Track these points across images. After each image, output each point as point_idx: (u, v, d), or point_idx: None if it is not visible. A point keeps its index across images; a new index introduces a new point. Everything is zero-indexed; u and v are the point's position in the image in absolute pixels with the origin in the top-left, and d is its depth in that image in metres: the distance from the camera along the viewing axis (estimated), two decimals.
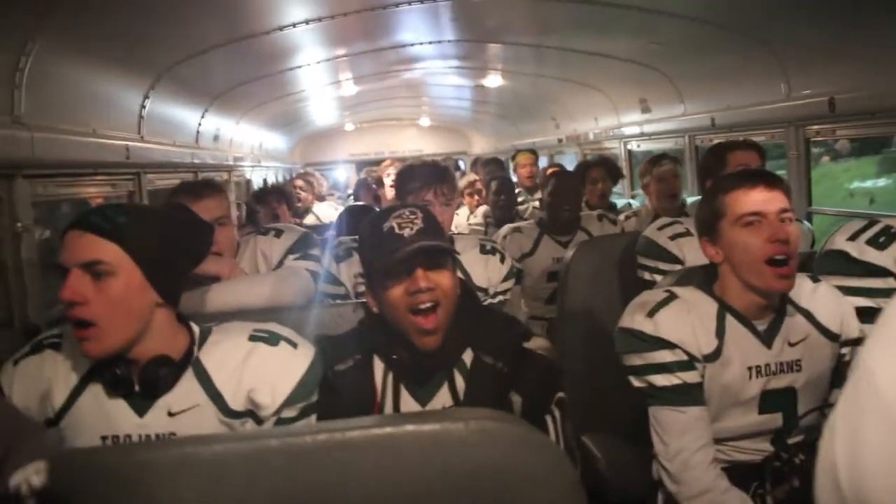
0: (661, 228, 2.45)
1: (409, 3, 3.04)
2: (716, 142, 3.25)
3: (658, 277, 2.35)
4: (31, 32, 1.99)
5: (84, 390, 1.35)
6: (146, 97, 3.04)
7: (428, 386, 1.46)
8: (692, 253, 2.30)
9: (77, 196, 2.65)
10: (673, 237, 2.40)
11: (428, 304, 1.37)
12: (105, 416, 1.33)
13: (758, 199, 1.58)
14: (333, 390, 1.45)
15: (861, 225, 1.79)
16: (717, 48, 3.23)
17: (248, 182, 6.20)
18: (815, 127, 3.03)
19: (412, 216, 1.44)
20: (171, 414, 1.33)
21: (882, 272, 1.71)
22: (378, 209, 2.32)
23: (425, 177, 2.18)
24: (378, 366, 1.48)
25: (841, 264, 1.76)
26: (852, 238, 1.77)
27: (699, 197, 3.78)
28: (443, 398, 1.45)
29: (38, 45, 2.02)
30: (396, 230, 1.40)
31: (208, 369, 1.37)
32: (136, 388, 1.33)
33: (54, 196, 2.43)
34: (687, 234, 2.36)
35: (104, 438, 1.32)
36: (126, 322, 1.29)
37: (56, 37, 2.08)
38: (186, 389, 1.35)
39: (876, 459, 0.56)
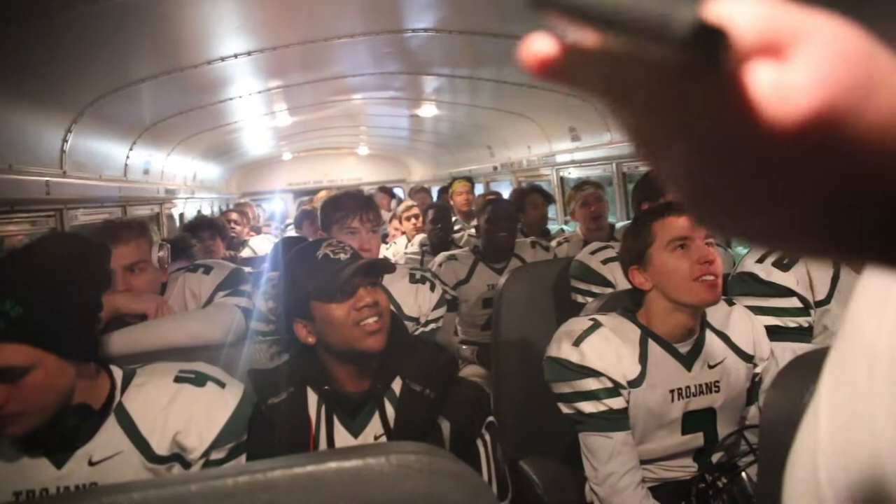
0: (593, 253, 2.53)
1: (339, 38, 3.08)
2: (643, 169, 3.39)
3: (590, 300, 2.42)
4: None
5: None
6: (68, 131, 2.95)
7: (359, 416, 1.48)
8: (622, 276, 2.38)
9: None
10: (605, 261, 2.48)
11: (375, 318, 1.43)
12: (19, 471, 1.27)
13: (685, 224, 1.66)
14: (267, 424, 1.45)
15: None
16: None
17: (182, 215, 6.06)
18: None
19: (341, 244, 1.54)
20: (91, 463, 1.29)
21: (787, 292, 1.82)
22: None
23: (350, 205, 2.21)
24: (312, 398, 1.50)
25: (751, 285, 1.87)
26: (760, 260, 1.88)
27: (627, 222, 3.96)
28: (374, 427, 1.47)
29: None
30: (332, 256, 1.48)
31: (132, 414, 1.33)
32: (55, 443, 1.28)
33: None
34: (618, 258, 2.45)
35: (17, 494, 1.26)
36: (52, 401, 1.23)
37: None
38: (108, 436, 1.31)
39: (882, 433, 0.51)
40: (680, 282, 1.64)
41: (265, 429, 1.44)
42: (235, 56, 3.05)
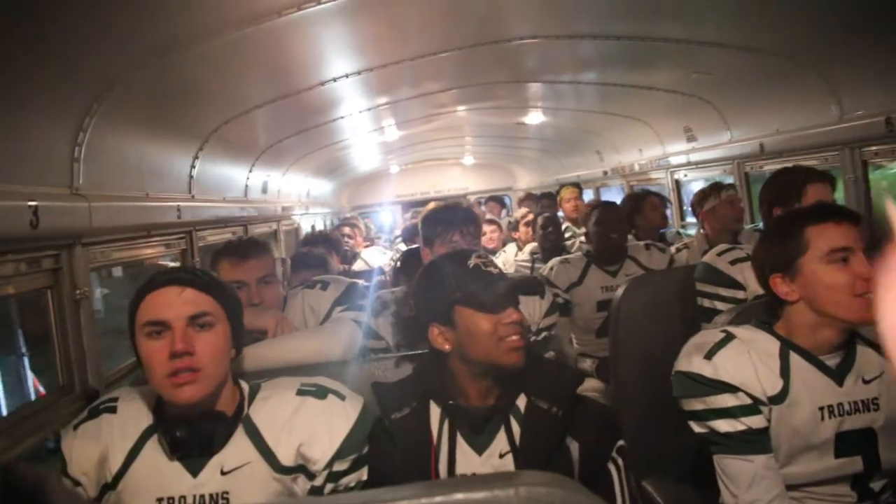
0: (720, 254, 2.38)
1: (445, 52, 3.09)
2: (784, 166, 3.15)
3: (718, 304, 2.28)
4: (88, 108, 2.10)
5: (139, 453, 1.37)
6: (195, 158, 3.15)
7: (484, 433, 1.46)
8: (753, 278, 2.21)
9: (132, 259, 2.74)
10: (733, 262, 2.33)
11: (518, 336, 1.44)
12: (160, 478, 1.35)
13: (846, 233, 1.52)
14: (391, 438, 1.46)
15: None
16: (761, 74, 3.16)
17: (297, 229, 6.33)
18: (874, 148, 2.91)
19: (487, 257, 1.55)
20: (223, 472, 1.35)
21: None
22: None
23: (451, 219, 2.20)
24: (434, 413, 1.49)
25: None
26: None
27: (753, 224, 3.70)
28: (500, 445, 1.44)
29: (95, 120, 2.12)
30: (483, 268, 1.49)
31: (258, 426, 1.39)
32: (192, 447, 1.35)
33: (110, 261, 2.52)
34: (747, 258, 2.28)
35: (160, 501, 1.34)
36: (222, 371, 1.37)
37: (111, 111, 2.18)
38: (238, 447, 1.37)
39: None
40: (838, 297, 1.49)
41: (387, 443, 1.45)
42: (347, 76, 3.14)
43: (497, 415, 1.46)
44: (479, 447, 1.45)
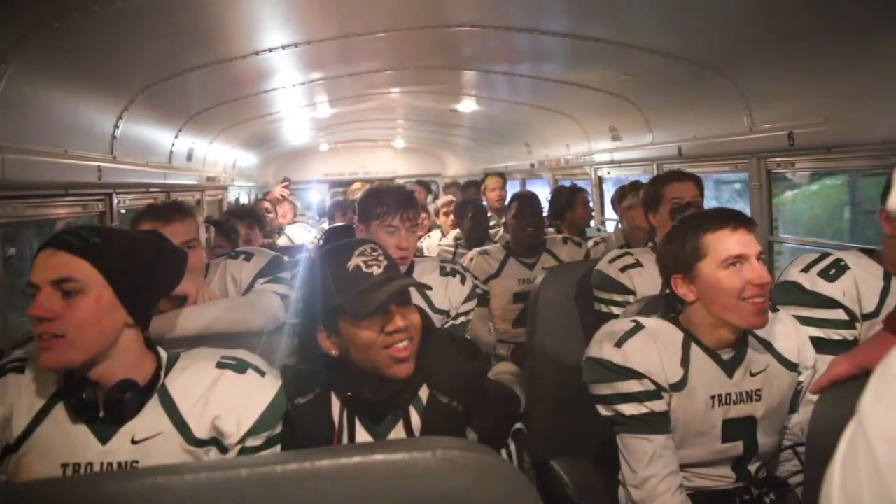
0: (611, 262, 2.49)
1: (380, 33, 3.09)
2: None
3: (613, 309, 2.39)
4: (4, 56, 1.99)
5: (46, 416, 1.34)
6: (120, 118, 3.02)
7: (383, 423, 1.47)
8: (642, 283, 2.36)
9: (46, 217, 2.62)
10: (623, 269, 2.44)
11: (405, 343, 1.38)
12: (67, 443, 1.32)
13: (742, 240, 1.60)
14: (292, 424, 1.44)
15: (814, 257, 1.86)
16: (684, 81, 3.33)
17: (220, 201, 6.17)
18: (777, 159, 3.13)
19: (374, 253, 1.44)
20: (134, 441, 1.33)
21: (832, 304, 1.78)
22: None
23: (392, 202, 2.16)
24: (335, 401, 1.48)
25: (795, 295, 1.83)
26: (805, 270, 1.84)
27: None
28: (398, 435, 1.46)
29: (12, 68, 2.02)
30: (364, 269, 1.40)
31: (174, 396, 1.37)
32: (101, 413, 1.32)
33: (23, 217, 2.41)
34: (637, 265, 2.42)
35: (65, 466, 1.31)
36: (93, 339, 1.29)
37: (30, 60, 2.07)
38: (151, 416, 1.35)
39: None
40: (729, 301, 1.59)
41: (290, 429, 1.44)
42: (283, 48, 3.09)
43: (397, 406, 1.45)
44: (379, 437, 1.46)
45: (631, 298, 2.37)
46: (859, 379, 1.28)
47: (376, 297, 1.35)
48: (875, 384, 0.65)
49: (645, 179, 4.39)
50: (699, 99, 3.45)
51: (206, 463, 1.24)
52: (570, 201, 4.26)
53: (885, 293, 1.77)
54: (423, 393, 1.46)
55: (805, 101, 2.74)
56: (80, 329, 1.26)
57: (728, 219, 1.64)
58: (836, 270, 1.81)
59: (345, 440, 1.44)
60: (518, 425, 1.50)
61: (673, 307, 1.77)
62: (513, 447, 1.46)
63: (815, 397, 1.41)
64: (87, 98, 2.71)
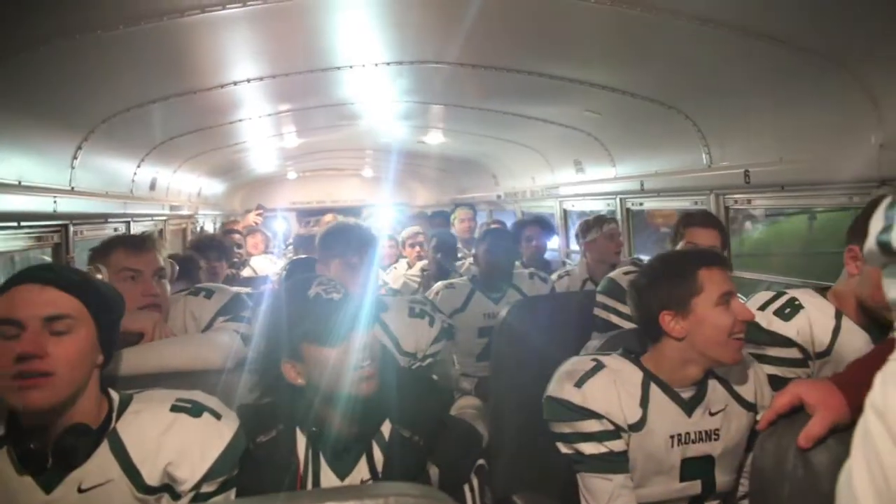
0: (626, 273, 2.54)
1: (350, 67, 3.11)
2: (647, 206, 3.37)
3: (614, 318, 2.42)
4: None
5: None
6: (79, 148, 2.98)
7: (346, 459, 1.46)
8: None
9: None
10: None
11: (369, 362, 1.41)
12: (7, 495, 1.25)
13: (727, 278, 1.65)
14: (254, 462, 1.42)
15: (770, 296, 1.90)
16: (645, 118, 3.41)
17: (185, 231, 6.08)
18: (735, 195, 3.21)
19: (332, 282, 1.49)
20: (81, 490, 1.27)
21: (787, 342, 1.81)
22: None
23: (350, 241, 2.17)
24: (301, 438, 1.47)
25: (752, 333, 1.85)
26: (762, 308, 1.87)
27: (631, 258, 3.96)
28: (361, 471, 1.46)
29: None
30: (324, 295, 1.44)
31: (125, 442, 1.32)
32: (49, 462, 1.26)
33: None
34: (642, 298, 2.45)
35: None
36: (78, 378, 1.27)
37: None
38: (100, 463, 1.29)
39: None
40: (719, 337, 1.62)
41: (252, 467, 1.42)
42: (248, 81, 3.09)
43: (359, 442, 1.46)
44: (342, 473, 1.46)
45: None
46: (800, 413, 1.31)
47: (338, 319, 1.41)
48: (885, 385, 0.69)
49: (608, 212, 4.48)
50: (660, 136, 3.54)
51: None
52: (517, 235, 4.29)
53: (836, 332, 1.81)
54: (386, 429, 1.47)
55: (760, 140, 2.82)
56: (69, 368, 1.24)
57: (716, 257, 1.70)
58: (790, 309, 1.84)
59: (310, 477, 1.43)
60: (480, 461, 1.50)
61: (639, 344, 1.78)
62: (475, 483, 1.47)
63: None
64: (45, 129, 2.66)
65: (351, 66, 3.14)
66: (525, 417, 2.37)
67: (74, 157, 2.98)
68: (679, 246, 2.57)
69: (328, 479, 1.44)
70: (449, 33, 2.79)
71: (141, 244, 2.02)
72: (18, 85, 2.24)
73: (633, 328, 1.89)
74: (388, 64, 3.14)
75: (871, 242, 0.71)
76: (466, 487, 1.46)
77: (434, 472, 1.46)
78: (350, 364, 1.40)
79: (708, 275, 1.64)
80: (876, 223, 0.69)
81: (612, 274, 2.59)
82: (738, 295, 1.71)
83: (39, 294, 1.25)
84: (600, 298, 2.54)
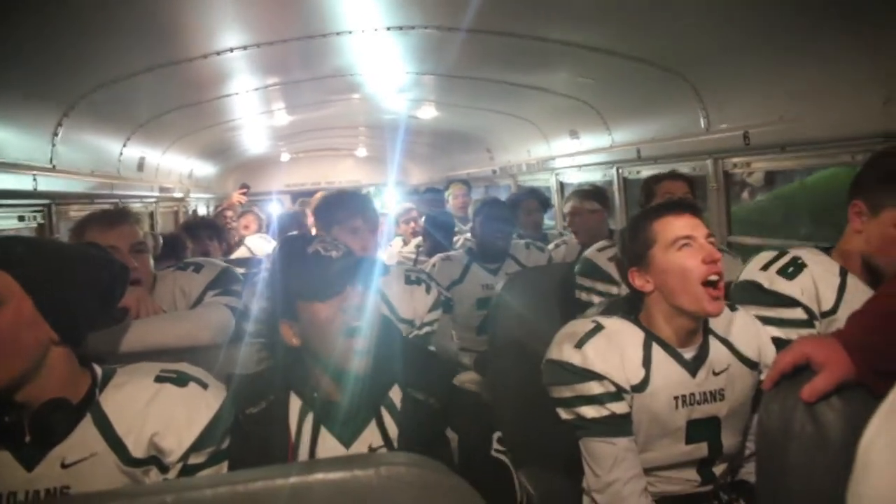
0: (600, 250, 2.52)
1: (338, 34, 3.03)
2: (644, 174, 3.34)
3: (594, 297, 2.40)
4: None
5: None
6: (59, 124, 2.89)
7: (352, 425, 1.40)
8: None
9: None
10: (611, 258, 2.46)
11: (359, 323, 1.35)
12: None
13: (687, 223, 1.63)
14: (244, 435, 1.37)
15: (772, 256, 1.85)
16: (640, 83, 3.34)
17: (176, 213, 6.00)
18: (734, 159, 3.15)
19: (334, 241, 1.45)
20: (64, 465, 1.23)
21: (791, 302, 1.76)
22: None
23: (352, 205, 2.16)
24: (294, 406, 1.41)
25: (753, 294, 1.81)
26: (764, 268, 1.82)
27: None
28: (370, 437, 1.39)
29: None
30: (323, 252, 1.39)
31: (108, 414, 1.28)
32: (27, 437, 1.23)
33: None
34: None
35: None
36: (11, 357, 1.20)
37: None
38: (83, 437, 1.26)
39: None
40: (685, 284, 1.59)
41: (242, 440, 1.37)
42: (231, 50, 3.00)
43: (367, 407, 1.40)
44: (347, 440, 1.39)
45: (614, 290, 2.36)
46: (803, 374, 1.27)
47: (332, 272, 1.36)
48: None
49: (607, 181, 4.42)
50: (656, 101, 3.47)
51: (128, 489, 1.15)
52: (514, 209, 4.24)
53: (841, 290, 1.76)
54: (395, 394, 1.42)
55: (759, 100, 2.75)
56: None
57: (671, 206, 1.68)
58: (794, 268, 1.79)
59: (305, 448, 1.37)
60: (498, 433, 1.45)
61: (634, 307, 1.74)
62: (507, 458, 1.42)
63: None
64: (21, 103, 2.57)
65: (338, 33, 3.06)
66: (525, 391, 2.34)
67: (55, 134, 2.89)
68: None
69: (329, 446, 1.38)
70: None
71: (114, 218, 1.98)
72: None
73: (625, 296, 1.86)
74: (375, 30, 3.05)
75: None
76: (507, 459, 1.41)
77: (453, 437, 1.40)
78: (342, 322, 1.35)
79: (660, 224, 1.65)
80: None
81: (587, 253, 2.58)
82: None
83: None
84: (579, 280, 2.53)
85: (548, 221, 5.31)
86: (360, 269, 1.40)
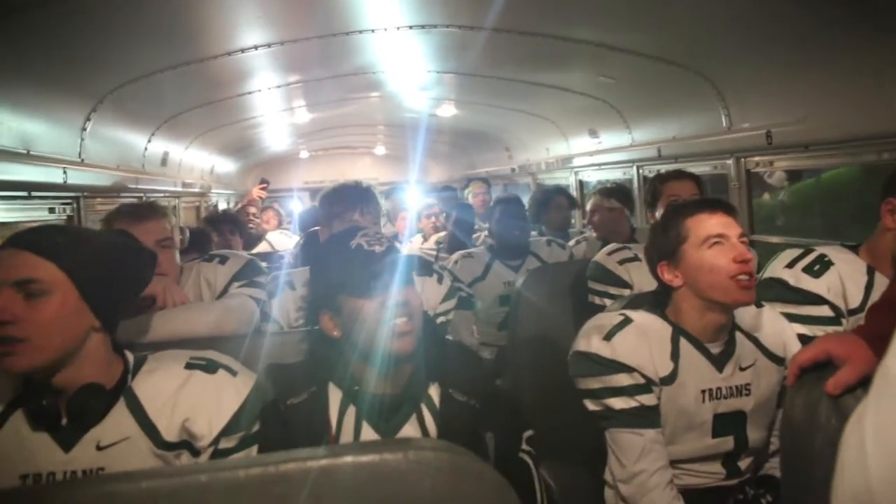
0: (610, 254, 2.51)
1: (360, 32, 3.05)
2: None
3: (607, 301, 2.39)
4: None
5: (4, 425, 1.27)
6: (87, 119, 2.94)
7: (393, 419, 1.41)
8: (639, 277, 2.35)
9: (7, 220, 2.53)
10: (621, 262, 2.45)
11: (405, 318, 1.37)
12: (26, 453, 1.25)
13: (720, 222, 1.63)
14: (287, 426, 1.38)
15: (798, 253, 1.84)
16: (661, 82, 3.32)
17: (198, 209, 6.07)
18: (756, 158, 3.13)
19: (377, 235, 1.46)
20: (99, 448, 1.27)
21: (817, 300, 1.75)
22: None
23: (351, 198, 2.17)
24: (334, 398, 1.42)
25: (779, 292, 1.80)
26: (790, 266, 1.82)
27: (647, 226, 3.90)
28: (409, 432, 1.41)
29: None
30: (366, 247, 1.41)
31: (141, 399, 1.32)
32: (64, 420, 1.27)
33: None
34: (635, 259, 2.42)
35: (24, 477, 1.24)
36: (58, 342, 1.24)
37: None
38: (117, 421, 1.29)
39: None
40: (716, 279, 1.60)
41: (284, 431, 1.38)
42: (255, 48, 3.03)
43: (407, 403, 1.42)
44: (388, 433, 1.41)
45: (626, 292, 2.36)
46: (827, 368, 1.26)
47: (375, 269, 1.37)
48: None
49: (627, 180, 4.41)
50: (677, 100, 3.45)
51: (163, 469, 1.18)
52: (545, 205, 4.25)
53: (869, 288, 1.75)
54: (435, 392, 1.44)
55: (782, 99, 2.74)
56: (44, 332, 1.22)
57: (705, 204, 1.68)
58: (820, 266, 1.79)
59: (347, 440, 1.40)
60: (530, 432, 1.47)
61: (661, 302, 1.74)
62: (530, 459, 1.44)
63: None
64: (52, 97, 2.62)
65: (360, 32, 3.08)
66: (545, 385, 2.34)
67: (83, 129, 2.95)
68: (659, 204, 2.60)
69: (371, 439, 1.40)
70: None
71: (142, 213, 1.99)
72: (23, 51, 2.20)
73: (651, 291, 1.85)
74: (396, 28, 3.07)
75: None
76: (529, 459, 1.43)
77: (490, 439, 1.41)
78: (385, 317, 1.37)
79: (693, 222, 1.65)
80: None
81: (596, 257, 2.57)
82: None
83: (12, 258, 1.23)
84: (590, 284, 2.52)
85: None
86: (403, 265, 1.41)
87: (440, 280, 2.28)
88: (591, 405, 1.66)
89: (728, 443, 1.67)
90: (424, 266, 2.33)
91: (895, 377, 0.63)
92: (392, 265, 1.40)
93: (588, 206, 3.61)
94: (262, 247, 5.34)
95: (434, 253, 4.45)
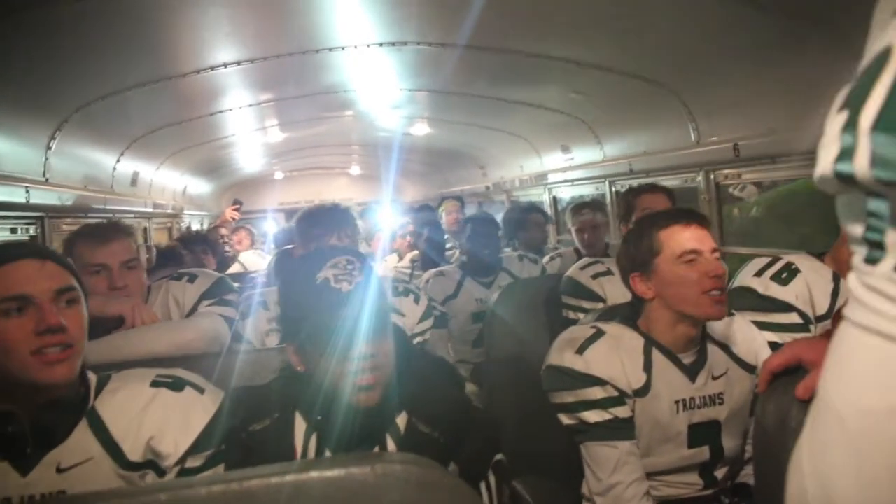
0: (583, 268, 2.52)
1: (331, 50, 3.05)
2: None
3: (581, 316, 2.40)
4: None
5: None
6: (52, 137, 2.89)
7: (356, 450, 1.33)
8: (613, 291, 2.36)
9: None
10: (594, 276, 2.46)
11: (368, 373, 1.24)
12: None
13: (694, 236, 1.63)
14: (251, 452, 1.31)
15: (765, 262, 1.87)
16: (631, 97, 3.37)
17: (170, 230, 5.99)
18: (725, 171, 3.17)
19: (349, 266, 1.28)
20: (59, 470, 1.23)
21: (786, 307, 1.78)
22: None
23: (327, 222, 2.14)
24: (299, 426, 1.34)
25: (749, 300, 1.82)
26: (758, 274, 1.84)
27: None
28: None
29: None
30: (333, 283, 1.25)
31: (104, 419, 1.28)
32: (29, 447, 1.22)
33: None
34: (608, 272, 2.43)
35: None
36: (84, 349, 1.28)
37: None
38: (78, 441, 1.25)
39: (846, 492, 0.58)
40: (688, 294, 1.60)
41: (248, 456, 1.30)
42: (225, 65, 3.01)
43: (371, 434, 1.33)
44: None
45: (600, 306, 2.36)
46: (797, 373, 1.26)
47: (342, 323, 1.23)
48: (832, 366, 0.66)
49: (600, 195, 4.44)
50: (647, 115, 3.50)
51: (122, 489, 1.14)
52: (521, 222, 4.27)
53: (835, 294, 1.77)
54: (402, 421, 1.33)
55: (749, 113, 2.78)
56: (82, 337, 1.26)
57: (679, 215, 1.68)
58: (787, 274, 1.81)
59: None
60: (499, 456, 1.36)
61: (633, 313, 1.74)
62: (492, 480, 1.34)
63: None
64: (15, 114, 2.57)
65: (331, 49, 3.08)
66: (521, 401, 2.33)
67: (48, 147, 2.89)
68: (633, 217, 2.60)
69: None
70: (428, 11, 2.73)
71: (106, 234, 1.93)
72: None
73: (624, 303, 1.86)
74: (367, 46, 3.07)
75: (825, 169, 0.60)
76: (483, 486, 1.32)
77: (453, 469, 1.31)
78: (348, 370, 1.24)
79: (666, 234, 1.64)
80: (829, 149, 0.58)
81: (569, 272, 2.59)
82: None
83: (42, 268, 1.24)
84: (564, 299, 2.54)
85: None
86: (373, 311, 1.25)
87: (417, 300, 2.27)
88: (565, 419, 1.66)
89: (704, 453, 1.67)
90: (401, 286, 2.31)
91: (825, 401, 0.64)
92: (359, 307, 1.24)
93: (573, 224, 3.60)
94: (234, 268, 5.28)
95: (409, 271, 4.45)
